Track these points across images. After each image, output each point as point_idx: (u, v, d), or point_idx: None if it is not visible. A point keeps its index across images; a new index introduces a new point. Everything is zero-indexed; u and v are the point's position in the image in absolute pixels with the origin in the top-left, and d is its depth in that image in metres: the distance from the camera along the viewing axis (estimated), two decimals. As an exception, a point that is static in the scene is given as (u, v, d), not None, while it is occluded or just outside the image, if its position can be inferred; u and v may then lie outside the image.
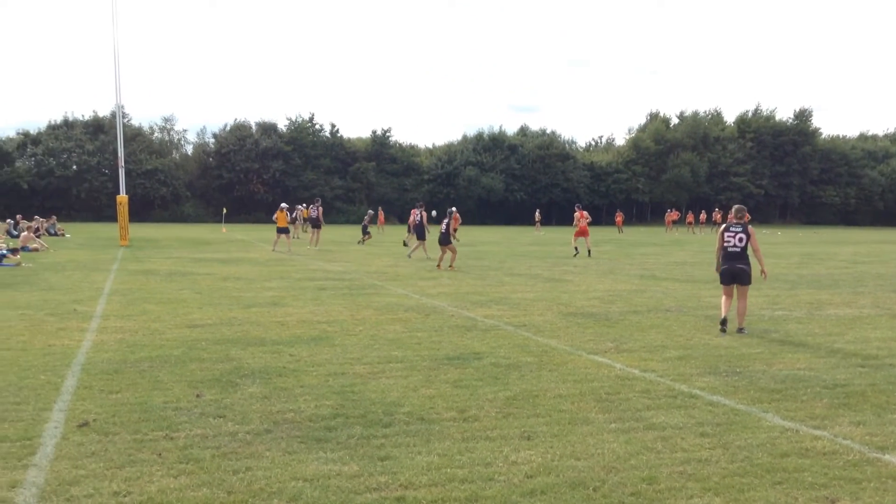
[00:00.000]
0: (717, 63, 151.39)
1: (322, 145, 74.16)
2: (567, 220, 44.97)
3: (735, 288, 9.77)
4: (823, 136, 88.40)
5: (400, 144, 78.52)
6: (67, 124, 69.50)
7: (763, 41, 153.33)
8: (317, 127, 75.84)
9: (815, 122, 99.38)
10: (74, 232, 38.87)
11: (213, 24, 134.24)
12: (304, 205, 40.24)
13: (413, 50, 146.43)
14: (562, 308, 11.66)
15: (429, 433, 5.18)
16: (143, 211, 62.83)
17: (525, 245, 32.09)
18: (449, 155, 76.47)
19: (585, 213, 25.06)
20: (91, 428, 5.18)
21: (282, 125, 74.86)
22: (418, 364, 7.40)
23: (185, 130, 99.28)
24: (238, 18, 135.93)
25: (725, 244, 9.73)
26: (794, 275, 18.11)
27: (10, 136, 67.58)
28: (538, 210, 58.38)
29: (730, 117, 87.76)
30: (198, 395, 6.08)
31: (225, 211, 51.48)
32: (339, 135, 76.53)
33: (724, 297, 9.87)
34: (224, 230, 43.99)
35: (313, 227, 28.47)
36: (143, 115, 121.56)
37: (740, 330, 9.51)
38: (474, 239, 36.76)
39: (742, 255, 9.62)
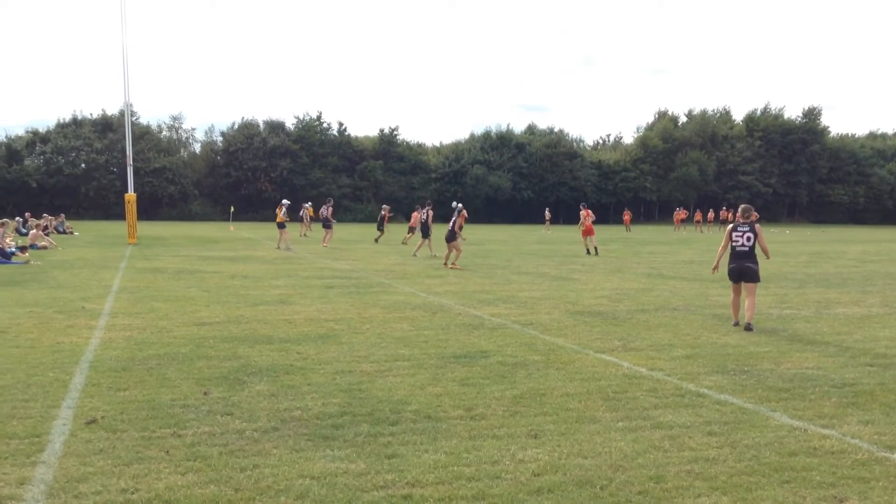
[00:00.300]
0: (725, 61, 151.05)
1: (330, 144, 74.11)
2: (575, 219, 44.95)
3: (743, 286, 9.91)
4: (832, 134, 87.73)
5: (407, 143, 78.38)
6: (76, 123, 69.62)
7: (772, 40, 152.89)
8: (324, 125, 75.79)
9: (824, 120, 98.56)
10: (83, 230, 39.05)
11: (221, 24, 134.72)
12: (310, 203, 40.33)
13: (421, 49, 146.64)
14: (569, 306, 11.65)
15: (436, 431, 5.19)
16: (151, 209, 63.03)
17: (532, 244, 32.05)
18: (456, 153, 76.27)
19: (590, 211, 25.47)
20: (99, 425, 5.20)
21: (289, 123, 74.87)
22: (425, 362, 7.41)
23: (193, 129, 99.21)
24: (246, 18, 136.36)
25: (733, 244, 9.88)
26: (802, 273, 18.03)
27: (20, 135, 67.72)
28: (548, 209, 58.14)
29: (738, 116, 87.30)
30: (205, 393, 6.10)
31: (233, 209, 51.49)
32: (346, 133, 76.48)
33: (732, 296, 10.10)
34: (232, 228, 44.07)
35: (324, 226, 28.61)
36: (152, 114, 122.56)
37: (748, 326, 9.52)
38: (481, 237, 36.73)
39: (750, 254, 9.79)
